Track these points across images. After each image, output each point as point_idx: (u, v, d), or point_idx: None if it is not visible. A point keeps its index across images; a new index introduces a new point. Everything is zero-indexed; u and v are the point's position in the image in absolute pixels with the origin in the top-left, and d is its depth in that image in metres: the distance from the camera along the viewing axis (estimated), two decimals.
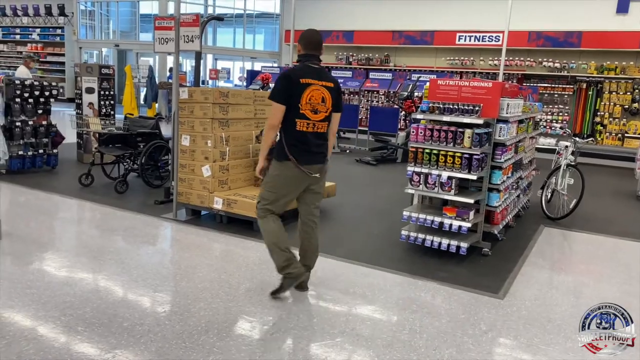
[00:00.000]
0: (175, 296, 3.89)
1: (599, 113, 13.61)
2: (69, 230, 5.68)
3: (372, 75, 13.03)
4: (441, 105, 4.90)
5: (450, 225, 4.88)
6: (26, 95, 7.45)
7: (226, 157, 5.81)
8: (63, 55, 21.50)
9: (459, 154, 4.81)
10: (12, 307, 3.49)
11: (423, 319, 3.72)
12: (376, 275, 4.51)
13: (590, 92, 13.73)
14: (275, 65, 18.23)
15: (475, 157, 4.75)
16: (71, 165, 8.54)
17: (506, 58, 13.90)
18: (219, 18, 13.61)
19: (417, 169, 5.01)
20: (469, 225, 4.83)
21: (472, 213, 4.91)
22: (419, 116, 5.04)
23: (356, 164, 10.69)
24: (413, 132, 5.00)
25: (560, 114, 14.09)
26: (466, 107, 4.78)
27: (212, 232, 5.47)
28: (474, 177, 4.79)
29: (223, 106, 5.76)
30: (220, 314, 3.58)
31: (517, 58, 14.50)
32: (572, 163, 6.94)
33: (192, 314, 3.56)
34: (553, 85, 14.20)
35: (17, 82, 7.40)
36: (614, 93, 13.41)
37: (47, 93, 7.68)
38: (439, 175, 4.89)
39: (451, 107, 4.86)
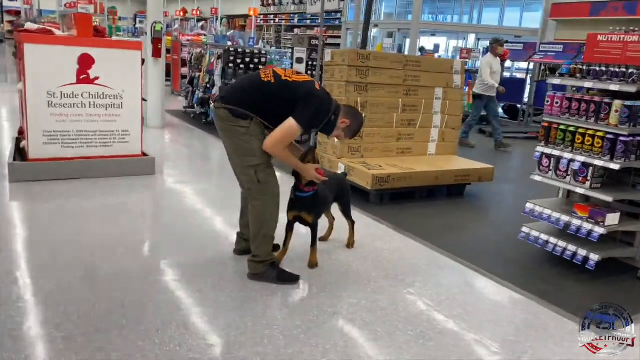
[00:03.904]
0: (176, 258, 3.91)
1: None
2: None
3: None
4: (585, 67, 3.64)
5: (579, 228, 3.65)
6: (238, 61, 8.47)
7: None
8: (339, 37, 23.62)
9: (600, 134, 3.52)
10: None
11: (432, 340, 2.91)
12: (450, 271, 3.72)
13: None
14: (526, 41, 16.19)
15: (621, 139, 3.41)
16: None
17: None
18: None
19: (548, 151, 3.88)
20: (602, 231, 3.53)
21: (612, 216, 3.56)
22: (554, 81, 3.86)
23: None
24: (548, 101, 3.87)
25: None
26: (617, 70, 3.44)
27: None
28: (616, 167, 3.44)
29: (361, 69, 5.48)
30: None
31: None
32: None
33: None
34: None
35: (232, 49, 8.46)
36: None
37: (256, 60, 8.58)
38: (572, 161, 3.68)
39: (597, 69, 3.56)
